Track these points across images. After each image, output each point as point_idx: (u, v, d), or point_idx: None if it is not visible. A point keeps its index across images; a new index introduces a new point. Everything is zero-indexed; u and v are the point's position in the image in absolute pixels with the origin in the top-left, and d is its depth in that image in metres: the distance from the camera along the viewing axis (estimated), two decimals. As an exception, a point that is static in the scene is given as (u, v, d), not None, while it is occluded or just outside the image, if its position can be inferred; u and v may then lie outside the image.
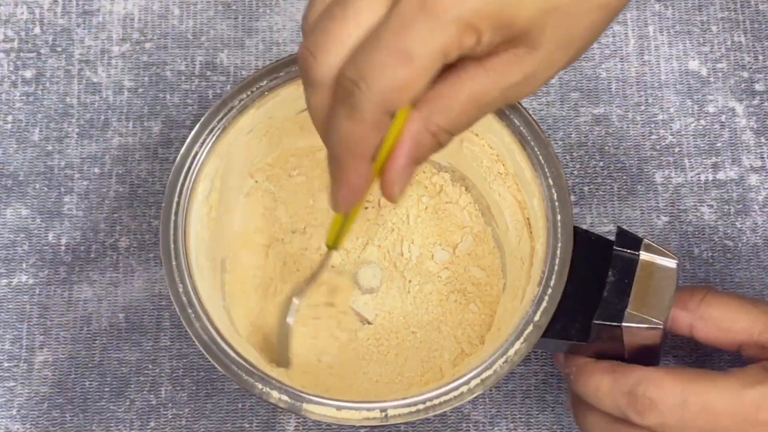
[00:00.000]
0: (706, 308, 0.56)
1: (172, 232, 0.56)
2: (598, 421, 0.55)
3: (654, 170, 0.68)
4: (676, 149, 0.68)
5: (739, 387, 0.52)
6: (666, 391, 0.52)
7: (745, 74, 0.70)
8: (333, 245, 0.55)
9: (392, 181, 0.47)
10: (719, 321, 0.56)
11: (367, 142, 0.46)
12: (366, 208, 0.64)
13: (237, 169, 0.61)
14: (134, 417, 0.63)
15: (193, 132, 0.58)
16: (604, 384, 0.53)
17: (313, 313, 0.61)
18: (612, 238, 0.55)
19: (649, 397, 0.52)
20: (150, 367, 0.64)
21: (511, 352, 0.54)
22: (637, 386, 0.52)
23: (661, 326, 0.53)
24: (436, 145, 0.47)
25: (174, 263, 0.55)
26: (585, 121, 0.69)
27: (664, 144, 0.68)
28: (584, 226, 0.62)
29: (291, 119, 0.61)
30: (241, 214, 0.63)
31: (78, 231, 0.67)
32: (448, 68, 0.46)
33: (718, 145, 0.68)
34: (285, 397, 0.53)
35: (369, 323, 0.61)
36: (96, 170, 0.68)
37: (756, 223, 0.67)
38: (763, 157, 0.68)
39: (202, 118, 0.58)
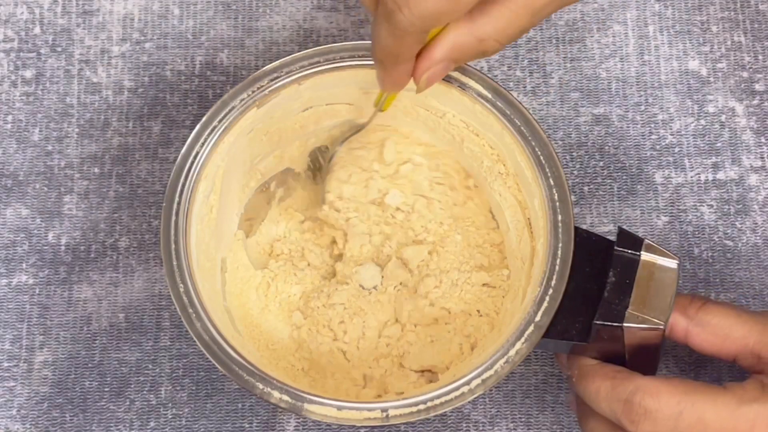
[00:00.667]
0: (704, 315, 0.56)
1: (172, 232, 0.56)
2: (599, 425, 0.55)
3: (654, 170, 0.68)
4: (676, 149, 0.68)
5: (736, 403, 0.51)
6: (662, 401, 0.52)
7: (745, 74, 0.70)
8: (383, 108, 0.58)
9: (423, 68, 0.51)
10: (716, 328, 0.55)
11: (406, 53, 0.50)
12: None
13: (238, 169, 0.61)
14: (134, 417, 0.63)
15: (194, 132, 0.58)
16: (603, 389, 0.53)
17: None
18: (612, 238, 0.56)
19: (644, 407, 0.52)
20: (150, 367, 0.64)
21: (512, 352, 0.54)
22: (634, 394, 0.52)
23: (662, 327, 0.53)
24: (479, 52, 0.50)
25: (175, 263, 0.55)
26: (585, 121, 0.69)
27: (664, 144, 0.68)
28: (584, 226, 0.62)
29: (291, 119, 0.61)
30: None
31: (78, 231, 0.67)
32: None
33: (718, 145, 0.68)
34: (286, 398, 0.53)
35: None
36: (96, 170, 0.68)
37: (756, 223, 0.67)
38: (763, 157, 0.68)
39: (203, 118, 0.58)
